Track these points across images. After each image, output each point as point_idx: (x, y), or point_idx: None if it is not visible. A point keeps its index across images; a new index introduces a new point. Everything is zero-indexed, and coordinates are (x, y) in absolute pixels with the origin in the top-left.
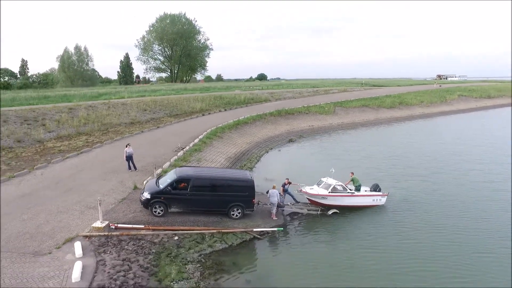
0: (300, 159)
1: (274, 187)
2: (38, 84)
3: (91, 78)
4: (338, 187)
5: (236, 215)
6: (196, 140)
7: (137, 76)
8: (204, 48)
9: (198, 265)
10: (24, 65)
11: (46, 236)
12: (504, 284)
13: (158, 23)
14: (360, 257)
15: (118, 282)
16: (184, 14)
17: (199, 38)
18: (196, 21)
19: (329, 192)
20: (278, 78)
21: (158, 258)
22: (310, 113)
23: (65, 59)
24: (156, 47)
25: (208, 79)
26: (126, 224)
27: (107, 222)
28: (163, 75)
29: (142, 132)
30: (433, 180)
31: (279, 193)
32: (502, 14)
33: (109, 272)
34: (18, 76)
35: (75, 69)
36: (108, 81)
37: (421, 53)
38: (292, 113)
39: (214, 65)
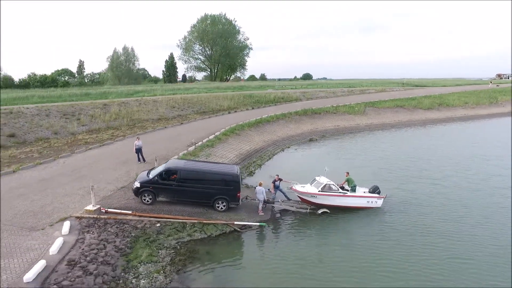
0: (313, 158)
1: (260, 184)
2: (91, 83)
3: (137, 77)
4: (330, 187)
5: (221, 208)
6: (212, 136)
7: (183, 75)
8: (244, 48)
9: (172, 251)
10: (81, 65)
11: (45, 215)
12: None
13: (199, 24)
14: (333, 256)
15: (88, 258)
16: (224, 14)
17: (239, 38)
18: (235, 21)
19: (319, 191)
20: (325, 78)
21: (135, 241)
22: (338, 113)
23: (114, 59)
24: (197, 47)
25: (252, 78)
26: (116, 209)
27: (98, 206)
28: (202, 74)
29: (165, 127)
30: (441, 184)
31: (269, 190)
32: None
33: (83, 249)
34: (76, 75)
35: (122, 69)
36: (155, 80)
37: (479, 51)
38: (319, 113)
39: (259, 64)
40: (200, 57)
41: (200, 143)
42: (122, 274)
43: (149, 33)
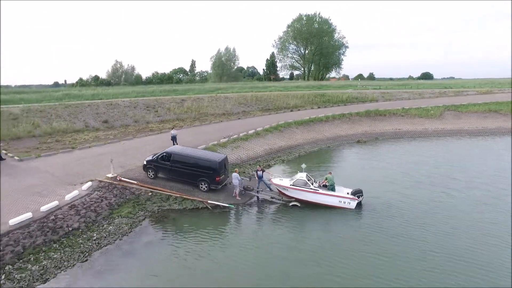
0: (339, 160)
1: (236, 171)
2: (200, 80)
3: (236, 75)
4: (303, 182)
5: (204, 188)
6: (252, 131)
7: (272, 74)
8: (339, 46)
9: (149, 213)
10: (193, 64)
11: (82, 176)
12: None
13: (294, 24)
14: (279, 241)
15: (84, 206)
16: (319, 13)
17: (335, 37)
18: (330, 19)
19: (290, 185)
20: (452, 77)
21: (126, 202)
22: (406, 116)
23: (216, 59)
24: (291, 47)
25: (359, 77)
26: (128, 179)
27: (116, 175)
28: (296, 72)
29: (221, 121)
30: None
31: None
32: None
33: (85, 200)
34: (188, 73)
35: (223, 67)
36: (259, 78)
37: None
38: (384, 114)
39: (369, 62)
40: (295, 56)
41: (236, 136)
42: (101, 220)
43: (262, 32)
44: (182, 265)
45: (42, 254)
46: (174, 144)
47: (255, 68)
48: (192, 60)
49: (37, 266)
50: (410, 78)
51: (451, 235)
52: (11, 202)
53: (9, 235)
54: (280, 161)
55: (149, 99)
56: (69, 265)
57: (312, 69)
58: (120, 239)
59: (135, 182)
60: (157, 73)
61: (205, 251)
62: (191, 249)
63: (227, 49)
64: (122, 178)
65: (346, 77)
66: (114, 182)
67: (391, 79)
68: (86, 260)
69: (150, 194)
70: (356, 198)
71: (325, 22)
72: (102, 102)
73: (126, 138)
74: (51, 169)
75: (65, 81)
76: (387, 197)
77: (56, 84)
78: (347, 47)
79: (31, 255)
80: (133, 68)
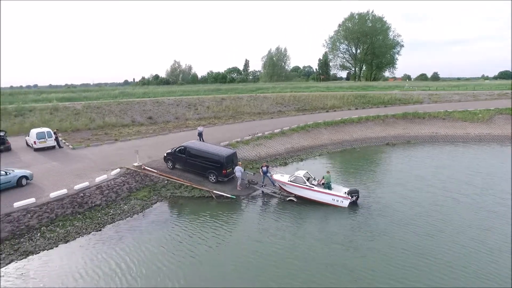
0: (355, 161)
1: (239, 164)
2: (252, 79)
3: (288, 75)
4: (300, 179)
5: (212, 179)
6: (277, 131)
7: (322, 73)
8: (393, 45)
9: (162, 198)
10: (246, 64)
11: (114, 164)
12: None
13: (345, 23)
14: (267, 234)
15: (108, 188)
16: (372, 12)
17: (390, 35)
18: (384, 17)
19: (288, 181)
20: None
21: (144, 188)
22: (447, 119)
23: (267, 59)
24: (342, 46)
25: (421, 77)
26: (150, 168)
27: (141, 164)
28: (345, 72)
29: (253, 120)
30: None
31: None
32: None
33: (110, 183)
34: (242, 73)
35: (274, 67)
36: (314, 78)
37: None
38: (423, 117)
39: (436, 62)
40: (346, 55)
41: (260, 134)
42: (119, 200)
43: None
44: (176, 241)
45: (68, 221)
46: (200, 140)
47: (310, 67)
48: (246, 60)
49: (63, 230)
50: (483, 77)
51: (433, 237)
52: (56, 181)
53: (48, 204)
54: (298, 159)
55: (192, 98)
56: (86, 232)
57: (364, 69)
58: (131, 217)
59: (156, 171)
60: (212, 72)
61: (199, 232)
62: (188, 229)
63: (278, 49)
64: (145, 167)
65: (407, 77)
66: (138, 170)
67: (458, 79)
68: (100, 230)
69: (166, 182)
70: (349, 197)
71: (379, 20)
72: (150, 100)
73: (163, 133)
74: (93, 157)
75: (134, 79)
76: (387, 198)
77: (126, 82)
78: (402, 45)
79: (60, 222)
80: (190, 68)
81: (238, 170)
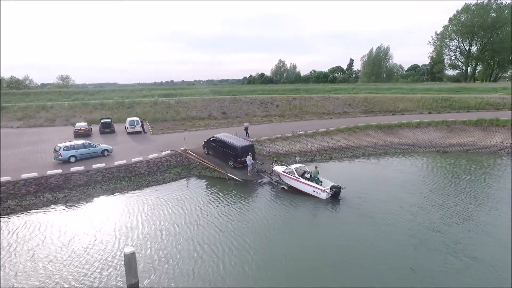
0: (377, 163)
1: (250, 155)
2: (353, 79)
3: (389, 74)
4: (292, 171)
5: (231, 165)
6: (321, 130)
7: (426, 73)
8: None
9: (190, 175)
10: (350, 64)
11: (170, 147)
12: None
13: (458, 16)
14: (256, 217)
15: (154, 163)
16: (495, 0)
17: None
18: None
19: (282, 172)
20: None
21: (180, 166)
22: None
23: (367, 58)
24: (452, 43)
25: None
26: (192, 152)
27: (186, 148)
28: (454, 72)
29: (311, 119)
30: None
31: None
32: None
33: (158, 160)
34: (345, 72)
35: (373, 67)
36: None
37: None
38: (502, 125)
39: None
40: (455, 53)
41: (302, 132)
42: (157, 172)
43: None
44: (184, 202)
45: (119, 181)
46: (246, 134)
47: (417, 66)
48: (350, 59)
49: (113, 186)
50: None
51: (386, 237)
52: (126, 154)
53: (111, 169)
54: (328, 157)
55: (266, 97)
56: (126, 190)
57: (480, 68)
58: (160, 184)
59: (194, 155)
60: (314, 71)
61: (203, 199)
62: (195, 196)
63: (379, 47)
64: (188, 151)
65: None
66: (182, 153)
67: None
68: (136, 190)
69: (198, 163)
70: (327, 190)
71: (507, 8)
72: (229, 98)
73: (225, 126)
74: (162, 141)
75: (246, 77)
76: (375, 197)
77: (244, 79)
78: None
79: (114, 180)
80: (294, 67)
81: (249, 160)
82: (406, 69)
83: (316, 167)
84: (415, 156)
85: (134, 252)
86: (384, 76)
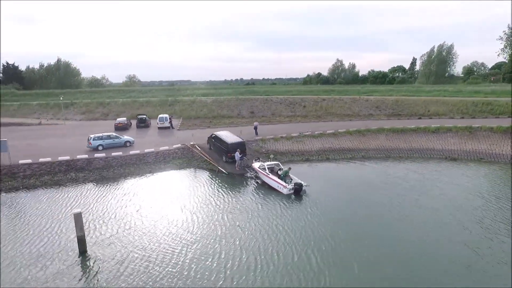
0: (362, 172)
1: (238, 151)
2: (413, 79)
3: (449, 75)
4: (264, 167)
5: (224, 159)
6: (330, 131)
7: (493, 74)
8: None
9: (189, 166)
10: (413, 63)
11: (184, 141)
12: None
13: None
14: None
15: (162, 154)
16: None
17: None
18: None
19: (257, 168)
20: None
21: (183, 157)
22: None
23: (427, 58)
24: None
25: None
26: (198, 146)
27: (194, 143)
28: None
29: (330, 121)
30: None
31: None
32: None
33: (166, 152)
34: (407, 71)
35: (431, 67)
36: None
37: None
38: None
39: None
40: None
41: (309, 132)
42: (162, 161)
43: None
44: (173, 185)
45: (129, 167)
46: (256, 132)
47: (503, 64)
48: (413, 58)
49: (123, 171)
50: None
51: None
52: (144, 146)
53: (126, 157)
54: (325, 158)
55: (296, 97)
56: (133, 175)
57: None
58: (162, 172)
59: (199, 149)
60: (373, 71)
61: (186, 186)
62: (182, 183)
63: (441, 45)
64: (195, 145)
65: None
66: (189, 147)
67: None
68: (140, 175)
69: (199, 156)
70: (288, 186)
71: None
72: (261, 98)
73: (244, 124)
74: (182, 136)
75: (311, 73)
76: (336, 195)
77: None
78: None
79: (125, 166)
80: (353, 66)
81: (236, 155)
82: (489, 67)
83: (289, 168)
84: (417, 162)
85: (81, 213)
86: (447, 76)
